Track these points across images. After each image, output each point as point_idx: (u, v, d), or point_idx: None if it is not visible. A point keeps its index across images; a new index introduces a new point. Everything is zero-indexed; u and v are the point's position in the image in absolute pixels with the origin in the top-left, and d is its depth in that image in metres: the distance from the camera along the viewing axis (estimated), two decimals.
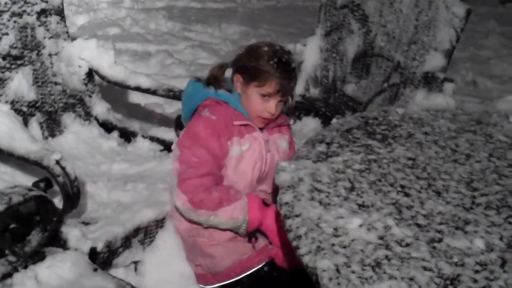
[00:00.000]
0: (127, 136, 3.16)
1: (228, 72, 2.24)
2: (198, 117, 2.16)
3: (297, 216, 1.55)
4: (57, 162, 2.09)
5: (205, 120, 2.12)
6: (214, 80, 2.19)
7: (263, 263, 2.11)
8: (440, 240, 1.48)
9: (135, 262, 2.32)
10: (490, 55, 6.46)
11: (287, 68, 2.10)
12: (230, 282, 2.12)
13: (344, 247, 1.43)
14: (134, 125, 3.31)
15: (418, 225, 1.54)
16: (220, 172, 2.14)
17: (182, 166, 2.09)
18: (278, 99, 2.11)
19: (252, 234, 2.14)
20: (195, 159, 2.08)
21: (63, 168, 2.09)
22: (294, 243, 1.46)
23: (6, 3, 2.71)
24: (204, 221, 2.10)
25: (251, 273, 2.10)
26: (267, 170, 2.19)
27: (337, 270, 1.34)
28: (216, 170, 2.11)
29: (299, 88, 3.60)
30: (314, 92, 3.61)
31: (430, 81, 2.95)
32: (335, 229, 1.49)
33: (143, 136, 3.10)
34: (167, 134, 3.13)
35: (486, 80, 5.61)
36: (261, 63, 2.08)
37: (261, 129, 2.20)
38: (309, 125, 3.52)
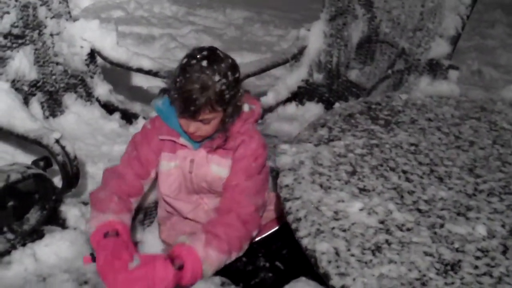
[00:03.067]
0: (128, 117, 3.15)
1: None
2: (145, 122, 2.13)
3: (297, 198, 1.54)
4: (57, 141, 2.08)
5: (143, 127, 2.08)
6: (165, 89, 2.02)
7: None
8: (441, 226, 1.47)
9: (135, 243, 2.31)
10: (496, 45, 6.41)
11: (191, 89, 1.79)
12: None
13: (344, 230, 1.42)
14: (135, 107, 3.28)
15: (420, 210, 1.52)
16: (138, 181, 2.03)
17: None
18: (190, 120, 1.87)
19: None
20: (122, 156, 2.06)
21: (62, 147, 2.08)
22: (294, 226, 1.45)
23: None
24: None
25: None
26: (197, 187, 2.07)
27: (337, 253, 1.33)
28: (132, 176, 2.02)
29: (302, 73, 3.58)
30: (318, 77, 3.58)
31: (434, 68, 2.92)
32: (335, 212, 1.48)
33: (144, 118, 3.08)
34: None
35: (491, 70, 5.57)
36: (173, 79, 1.87)
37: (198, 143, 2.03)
38: (312, 110, 3.50)
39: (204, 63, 1.82)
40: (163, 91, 2.02)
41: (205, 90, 1.80)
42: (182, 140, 2.00)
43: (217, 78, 1.81)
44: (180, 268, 1.70)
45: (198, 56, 1.83)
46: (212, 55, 1.86)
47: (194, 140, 2.00)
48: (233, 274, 1.90)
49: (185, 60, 1.85)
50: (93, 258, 1.77)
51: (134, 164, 2.02)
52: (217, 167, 2.01)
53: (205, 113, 1.84)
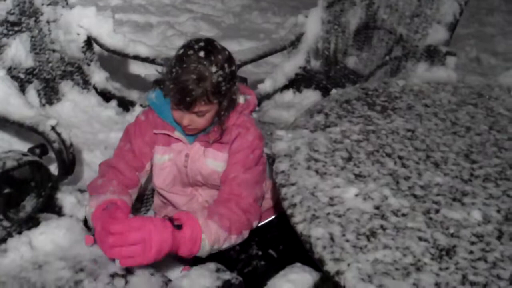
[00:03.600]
0: (125, 105, 3.15)
1: None
2: (138, 114, 2.10)
3: (292, 184, 1.53)
4: (53, 128, 2.07)
5: (137, 118, 2.05)
6: (160, 81, 1.99)
7: None
8: (437, 211, 1.46)
9: None
10: (494, 32, 6.41)
11: (187, 80, 1.77)
12: None
13: (339, 216, 1.41)
14: (132, 94, 3.28)
15: (415, 196, 1.52)
16: (133, 173, 2.02)
17: None
18: (185, 111, 1.84)
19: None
20: (116, 149, 2.06)
21: (58, 134, 2.07)
22: (289, 211, 1.45)
23: None
24: None
25: None
26: (192, 181, 2.06)
27: (331, 239, 1.33)
28: (127, 168, 2.00)
29: (300, 60, 3.57)
30: (315, 64, 3.58)
31: (432, 55, 2.92)
32: (331, 198, 1.48)
33: (141, 105, 3.08)
34: None
35: (490, 57, 5.57)
36: (168, 70, 1.84)
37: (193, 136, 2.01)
38: (310, 97, 3.49)
39: (201, 53, 1.79)
40: (156, 82, 2.00)
41: (201, 81, 1.78)
42: (176, 134, 1.99)
43: (214, 69, 1.79)
44: (179, 228, 1.68)
45: (195, 47, 1.81)
46: (210, 46, 1.84)
47: (187, 134, 1.98)
48: (226, 262, 1.88)
49: (181, 51, 1.83)
50: (95, 239, 1.78)
51: (128, 157, 2.01)
52: (212, 161, 2.00)
53: (200, 105, 1.82)
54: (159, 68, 2.01)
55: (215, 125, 1.94)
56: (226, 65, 1.83)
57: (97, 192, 1.91)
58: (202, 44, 1.82)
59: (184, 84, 1.77)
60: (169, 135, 2.00)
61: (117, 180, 1.97)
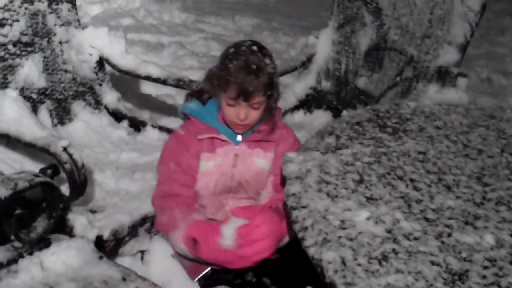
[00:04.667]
0: (136, 125, 3.15)
1: None
2: (173, 131, 2.13)
3: (304, 207, 1.53)
4: (64, 149, 2.08)
5: (176, 134, 2.08)
6: (195, 92, 2.10)
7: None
8: (449, 235, 1.45)
9: (142, 252, 2.31)
10: (505, 52, 6.39)
11: (247, 69, 1.87)
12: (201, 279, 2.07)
13: (351, 239, 1.41)
14: (144, 114, 3.29)
15: (427, 219, 1.51)
16: (189, 190, 2.05)
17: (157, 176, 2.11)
18: (244, 104, 1.91)
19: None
20: (159, 176, 2.07)
21: (70, 155, 2.08)
22: (300, 235, 1.44)
23: None
24: None
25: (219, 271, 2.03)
26: (236, 185, 2.08)
27: (343, 263, 1.32)
28: (180, 188, 2.03)
29: (310, 81, 3.58)
30: (326, 85, 3.58)
31: (443, 76, 2.92)
32: (342, 221, 1.47)
33: (152, 126, 3.09)
34: (177, 123, 3.11)
35: (501, 77, 5.55)
36: (222, 67, 1.92)
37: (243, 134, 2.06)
38: (320, 118, 3.49)
39: (254, 48, 1.93)
40: (190, 95, 2.10)
41: (260, 71, 1.88)
42: (223, 136, 2.02)
43: (267, 61, 1.92)
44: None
45: (245, 43, 1.95)
46: (257, 42, 1.98)
47: (237, 133, 2.03)
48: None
49: (232, 49, 1.94)
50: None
51: (177, 177, 2.03)
52: (260, 160, 2.06)
53: (258, 96, 1.91)
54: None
55: (263, 121, 2.02)
56: (273, 59, 1.96)
57: (171, 230, 1.98)
58: (250, 41, 1.96)
59: (245, 76, 1.87)
60: (213, 141, 2.03)
61: (178, 207, 2.00)
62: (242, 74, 1.87)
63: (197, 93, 2.09)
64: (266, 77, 1.89)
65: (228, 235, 1.89)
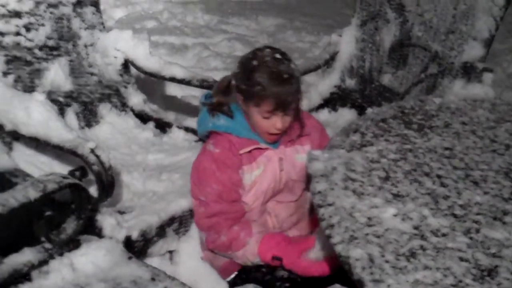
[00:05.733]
0: (162, 126, 3.18)
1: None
2: (203, 151, 2.09)
3: (330, 205, 1.53)
4: (92, 151, 2.10)
5: (210, 154, 2.04)
6: (216, 106, 2.05)
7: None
8: (477, 231, 1.44)
9: (170, 252, 2.33)
10: None
11: (281, 81, 1.87)
12: (233, 278, 2.11)
13: (378, 236, 1.40)
14: (169, 115, 3.31)
15: (455, 216, 1.50)
16: (236, 204, 2.06)
17: (194, 203, 2.09)
18: (280, 114, 1.92)
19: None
20: (202, 198, 2.04)
21: (97, 157, 2.10)
22: (327, 232, 1.44)
23: None
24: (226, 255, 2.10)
25: (250, 269, 2.08)
26: (282, 187, 2.11)
27: (371, 260, 1.32)
28: (228, 205, 2.03)
29: (334, 79, 3.57)
30: (350, 83, 3.57)
31: (468, 71, 2.89)
32: (369, 218, 1.47)
33: (178, 127, 3.10)
34: None
35: None
36: (251, 83, 1.89)
37: (276, 142, 2.09)
38: (345, 116, 3.49)
39: (278, 55, 1.91)
40: (213, 109, 2.04)
41: (292, 79, 1.89)
42: (264, 145, 2.04)
43: (293, 66, 1.92)
44: None
45: (266, 52, 1.92)
46: (275, 48, 1.96)
47: (270, 141, 2.04)
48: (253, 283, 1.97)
49: (255, 61, 1.90)
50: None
51: (224, 196, 2.02)
52: (301, 155, 2.08)
53: (294, 103, 1.94)
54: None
55: (294, 121, 2.04)
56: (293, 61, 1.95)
57: (237, 248, 2.01)
58: (268, 49, 1.94)
59: (280, 88, 1.86)
60: (251, 152, 2.03)
61: (234, 222, 2.02)
62: (277, 86, 1.86)
63: (218, 107, 2.05)
64: (296, 83, 1.90)
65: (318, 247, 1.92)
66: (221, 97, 2.05)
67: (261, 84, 1.87)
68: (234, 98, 2.05)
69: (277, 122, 1.93)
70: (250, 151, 2.03)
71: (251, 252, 1.99)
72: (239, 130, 2.03)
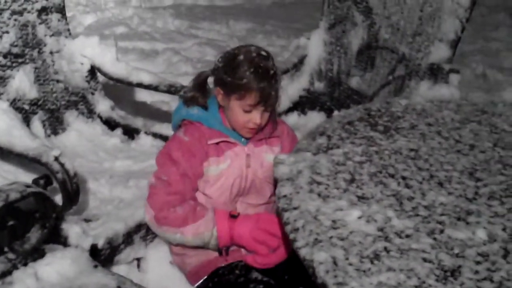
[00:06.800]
0: (130, 133, 3.15)
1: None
2: (173, 137, 2.13)
3: (295, 208, 1.52)
4: (56, 159, 2.07)
5: (179, 141, 2.08)
6: (190, 99, 2.11)
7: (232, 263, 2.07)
8: (441, 231, 1.45)
9: (138, 259, 2.31)
10: (500, 48, 6.39)
11: (266, 77, 1.94)
12: (203, 282, 2.09)
13: (342, 239, 1.40)
14: (137, 122, 3.29)
15: (419, 216, 1.50)
16: (193, 192, 2.09)
17: (154, 181, 2.07)
18: (261, 109, 1.98)
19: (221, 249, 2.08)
20: (165, 177, 2.04)
21: (62, 165, 2.07)
22: (292, 236, 1.44)
23: (6, 1, 2.71)
24: (171, 238, 2.06)
25: (222, 272, 2.06)
26: (249, 185, 2.12)
27: (334, 263, 1.31)
28: (187, 190, 2.05)
29: (303, 83, 3.57)
30: (319, 86, 3.58)
31: (435, 73, 2.91)
32: (334, 221, 1.47)
33: (146, 133, 3.09)
34: (171, 130, 3.11)
35: (496, 73, 5.55)
36: (237, 76, 1.94)
37: (247, 139, 2.12)
38: (314, 119, 3.49)
39: (264, 53, 1.99)
40: (188, 101, 2.11)
41: (276, 76, 1.98)
42: (232, 139, 2.07)
43: (275, 63, 2.01)
44: None
45: (252, 49, 1.99)
46: (260, 47, 2.04)
47: (245, 137, 2.08)
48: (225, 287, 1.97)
49: (241, 57, 1.97)
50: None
51: (185, 180, 2.04)
52: (270, 155, 2.09)
53: (275, 98, 2.01)
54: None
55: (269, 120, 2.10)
56: None
57: (193, 220, 2.02)
58: (253, 47, 2.02)
59: (265, 83, 1.93)
60: (220, 144, 2.07)
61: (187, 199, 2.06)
62: (263, 81, 1.92)
63: (193, 99, 2.10)
64: (279, 81, 1.99)
65: None
66: (197, 92, 2.10)
67: (247, 77, 1.93)
68: (209, 93, 2.12)
69: (257, 117, 1.99)
70: (218, 143, 2.06)
71: (207, 222, 2.00)
72: (211, 122, 2.07)
